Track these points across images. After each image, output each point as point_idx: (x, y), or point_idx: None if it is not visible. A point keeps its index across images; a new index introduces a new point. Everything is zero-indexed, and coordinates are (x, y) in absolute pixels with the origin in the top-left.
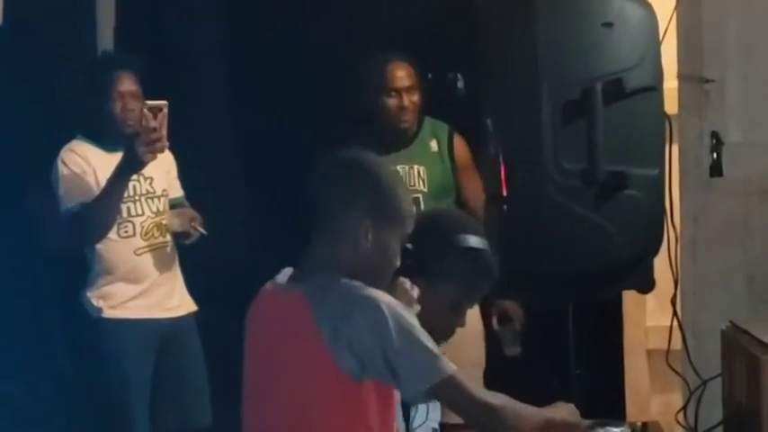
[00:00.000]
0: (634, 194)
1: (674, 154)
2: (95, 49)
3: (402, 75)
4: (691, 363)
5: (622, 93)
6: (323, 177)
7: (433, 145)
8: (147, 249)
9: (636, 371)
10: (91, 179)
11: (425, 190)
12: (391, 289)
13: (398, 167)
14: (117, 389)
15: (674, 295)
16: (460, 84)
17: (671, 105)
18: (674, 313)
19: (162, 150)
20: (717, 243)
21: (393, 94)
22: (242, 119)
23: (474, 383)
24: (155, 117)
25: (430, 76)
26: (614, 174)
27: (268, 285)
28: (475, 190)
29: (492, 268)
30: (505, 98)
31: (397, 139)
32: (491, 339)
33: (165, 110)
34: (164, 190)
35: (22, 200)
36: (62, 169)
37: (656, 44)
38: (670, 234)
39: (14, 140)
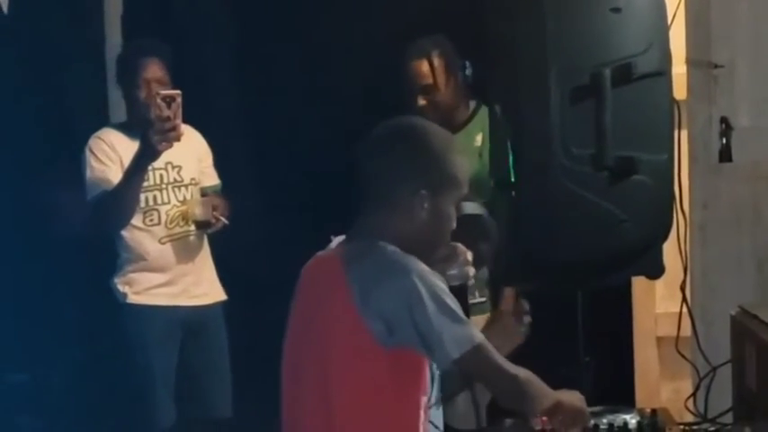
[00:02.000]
0: (643, 180)
1: (683, 139)
2: (103, 36)
3: (417, 74)
4: (700, 349)
5: (631, 78)
6: (374, 146)
7: (478, 139)
8: (171, 238)
9: (645, 358)
10: (117, 167)
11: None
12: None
13: None
14: (141, 375)
15: (684, 281)
16: (468, 71)
17: (680, 91)
18: (684, 299)
19: (177, 139)
20: (726, 228)
21: (413, 92)
22: (253, 109)
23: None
24: (168, 106)
25: None
26: (623, 159)
27: (319, 252)
28: None
29: (491, 231)
30: (513, 84)
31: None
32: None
33: (179, 99)
34: (192, 179)
35: (47, 188)
36: (89, 157)
37: (664, 29)
38: (679, 220)
39: (33, 130)
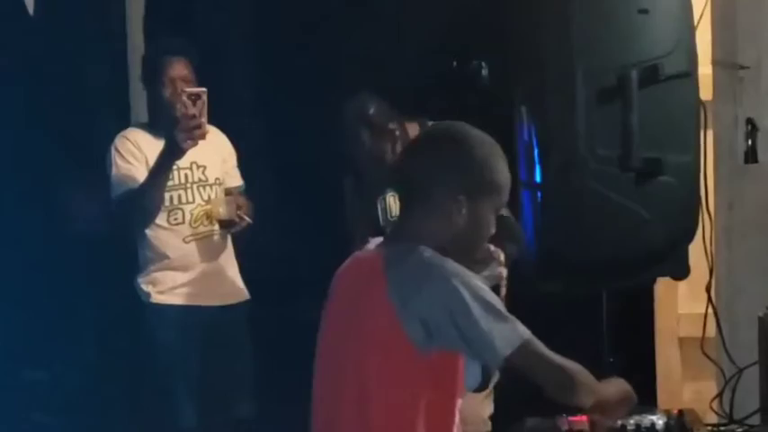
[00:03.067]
0: (669, 181)
1: (708, 140)
2: (125, 36)
3: None
4: (726, 350)
5: (657, 79)
6: (416, 150)
7: None
8: (195, 237)
9: (667, 358)
10: (142, 166)
11: None
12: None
13: None
14: (163, 374)
15: (710, 282)
16: (485, 71)
17: (706, 92)
18: (709, 300)
19: (203, 137)
20: (752, 229)
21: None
22: (275, 109)
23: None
24: (194, 104)
25: (455, 64)
26: (649, 160)
27: (357, 252)
28: None
29: (516, 233)
30: (540, 85)
31: None
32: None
33: (204, 97)
34: (217, 178)
35: (71, 187)
36: (114, 156)
37: (690, 30)
38: (705, 221)
39: (57, 129)
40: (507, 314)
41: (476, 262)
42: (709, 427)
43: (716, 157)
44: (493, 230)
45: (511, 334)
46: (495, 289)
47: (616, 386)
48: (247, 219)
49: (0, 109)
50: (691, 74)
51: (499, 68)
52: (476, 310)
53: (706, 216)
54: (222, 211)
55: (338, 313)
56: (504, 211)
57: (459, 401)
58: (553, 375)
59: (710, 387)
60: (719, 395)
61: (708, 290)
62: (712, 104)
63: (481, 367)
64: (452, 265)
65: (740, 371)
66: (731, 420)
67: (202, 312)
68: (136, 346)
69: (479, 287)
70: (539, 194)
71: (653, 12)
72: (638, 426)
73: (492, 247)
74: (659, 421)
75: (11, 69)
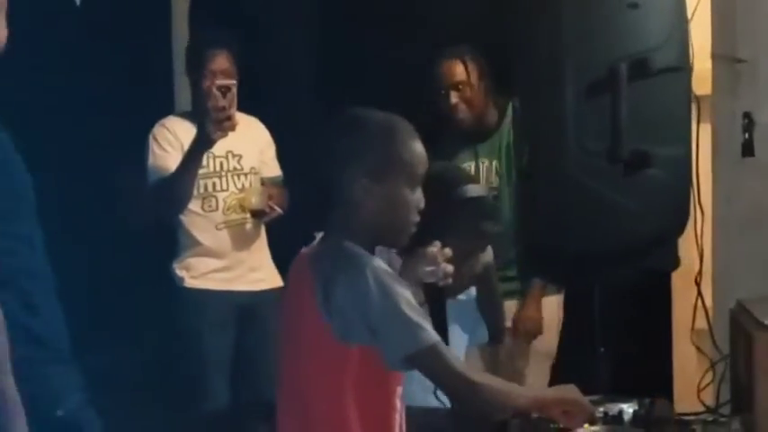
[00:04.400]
0: (659, 174)
1: (706, 134)
2: (170, 26)
3: (450, 73)
4: (713, 340)
5: (647, 73)
6: (317, 141)
7: (507, 138)
8: (228, 225)
9: (683, 350)
10: (177, 153)
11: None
12: (415, 254)
13: (479, 161)
14: (196, 358)
15: (698, 274)
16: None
17: (704, 85)
18: (699, 293)
19: (232, 129)
20: (749, 223)
21: (442, 91)
22: (317, 100)
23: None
24: (224, 96)
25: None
26: (638, 153)
27: (303, 249)
28: None
29: (494, 211)
30: (530, 78)
31: (474, 133)
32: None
33: (234, 89)
34: (252, 168)
35: (112, 174)
36: (152, 144)
37: (683, 24)
38: (697, 214)
39: (102, 117)
40: (413, 318)
41: (413, 257)
42: (680, 416)
43: (714, 151)
44: (420, 205)
45: (409, 338)
46: (437, 288)
47: (551, 391)
48: (278, 209)
49: (46, 99)
50: (683, 68)
51: (491, 61)
52: (378, 307)
53: (698, 209)
54: (254, 200)
55: (283, 315)
56: (484, 191)
57: (399, 389)
58: (452, 384)
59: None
60: (699, 384)
61: (697, 282)
62: (710, 98)
63: (486, 324)
64: (367, 259)
65: (713, 364)
66: (708, 410)
67: (235, 297)
68: (170, 330)
69: (389, 286)
70: (527, 186)
71: (643, 5)
72: (606, 413)
73: (438, 244)
74: (629, 410)
75: (58, 59)
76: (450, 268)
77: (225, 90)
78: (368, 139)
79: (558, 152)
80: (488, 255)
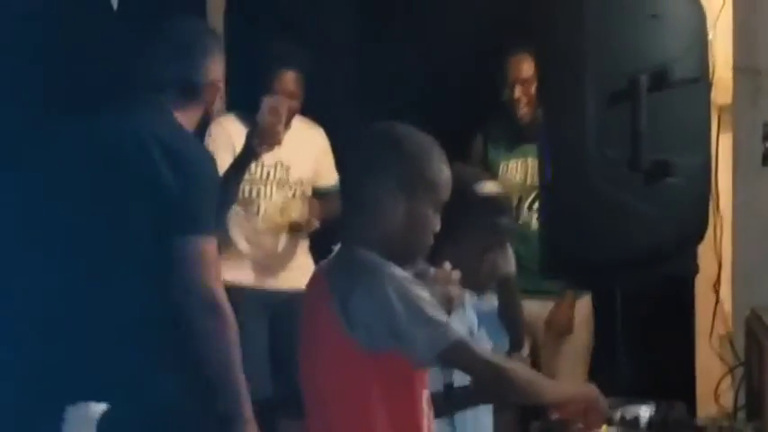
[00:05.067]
0: (679, 182)
1: (727, 143)
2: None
3: (518, 68)
4: (732, 345)
5: (667, 83)
6: (351, 150)
7: None
8: (266, 232)
9: (706, 354)
10: (228, 155)
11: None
12: (422, 273)
13: (528, 160)
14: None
15: (717, 280)
16: None
17: (726, 96)
18: (717, 299)
19: (278, 144)
20: None
21: (510, 85)
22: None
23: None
24: (274, 114)
25: None
26: (658, 162)
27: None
28: None
29: (508, 205)
30: (553, 88)
31: (527, 132)
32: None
33: (286, 107)
34: (299, 179)
35: None
36: (207, 140)
37: (702, 36)
38: (716, 222)
39: None
40: (439, 316)
41: (428, 279)
42: (696, 421)
43: (734, 160)
44: (436, 228)
45: (437, 336)
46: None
47: (573, 387)
48: (316, 223)
49: (80, 99)
50: (702, 79)
51: None
52: (399, 311)
53: (717, 217)
54: (294, 214)
55: (303, 325)
56: (497, 188)
57: (426, 392)
58: (486, 373)
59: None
60: (717, 389)
61: (716, 288)
62: (731, 108)
63: (507, 333)
64: (384, 266)
65: (731, 369)
66: (726, 415)
67: (269, 296)
68: None
69: (408, 290)
70: (550, 195)
71: (664, 17)
72: (623, 416)
73: (448, 266)
74: (645, 413)
75: (94, 62)
76: (456, 291)
77: (275, 107)
78: (406, 157)
79: (580, 161)
80: (510, 265)
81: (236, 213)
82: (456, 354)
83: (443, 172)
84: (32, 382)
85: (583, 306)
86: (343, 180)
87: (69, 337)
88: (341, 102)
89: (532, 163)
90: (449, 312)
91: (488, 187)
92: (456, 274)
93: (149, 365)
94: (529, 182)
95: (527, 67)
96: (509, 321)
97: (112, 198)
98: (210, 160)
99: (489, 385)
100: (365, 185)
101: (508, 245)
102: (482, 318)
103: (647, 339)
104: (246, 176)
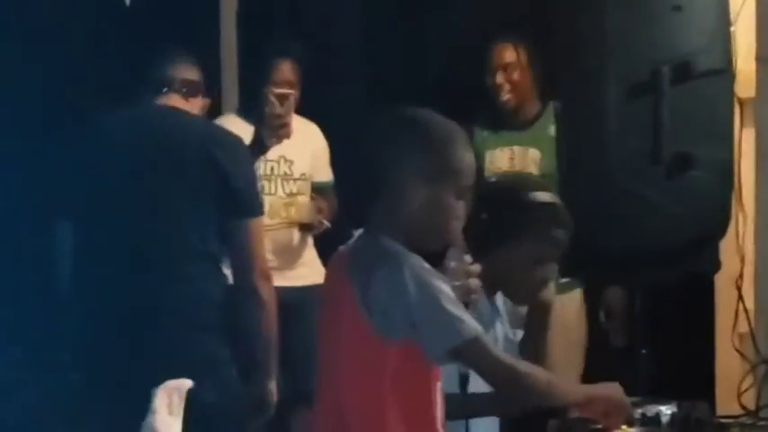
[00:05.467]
0: (701, 176)
1: (751, 137)
2: (218, 31)
3: (500, 55)
4: (754, 343)
5: (690, 75)
6: (374, 135)
7: (552, 130)
8: (272, 228)
9: (726, 353)
10: None
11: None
12: (442, 268)
13: (514, 148)
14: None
15: (739, 277)
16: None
17: (749, 88)
18: (740, 296)
19: (287, 136)
20: None
21: (492, 71)
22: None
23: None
24: (281, 104)
25: None
26: (680, 155)
27: (341, 247)
28: None
29: (565, 218)
30: (573, 80)
31: (513, 120)
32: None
33: (292, 98)
34: (303, 173)
35: None
36: None
37: (726, 27)
38: (738, 217)
39: None
40: (454, 311)
41: (444, 270)
42: (720, 419)
43: (757, 153)
44: (460, 215)
45: (449, 332)
46: (466, 304)
47: (595, 387)
48: (326, 223)
49: (91, 97)
50: (726, 70)
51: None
52: (417, 301)
53: (740, 212)
54: (304, 215)
55: (321, 312)
56: (553, 198)
57: (439, 384)
58: (501, 375)
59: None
60: (739, 388)
61: (738, 285)
62: (755, 100)
63: None
64: (405, 255)
65: (753, 366)
66: (749, 413)
67: (279, 292)
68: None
69: (428, 281)
70: (568, 186)
71: (687, 8)
72: (643, 415)
73: (468, 258)
74: (667, 412)
75: (106, 59)
76: (475, 284)
77: (283, 98)
78: (429, 143)
79: (599, 153)
80: (551, 293)
81: None
82: (470, 351)
83: (467, 158)
84: (122, 364)
85: (574, 300)
86: (367, 166)
87: (151, 320)
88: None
89: (519, 151)
90: (467, 306)
91: (545, 196)
92: (476, 268)
93: (217, 343)
94: (517, 170)
95: (510, 54)
96: (532, 355)
97: (172, 186)
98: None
99: (504, 388)
100: (389, 172)
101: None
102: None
103: (667, 337)
104: None
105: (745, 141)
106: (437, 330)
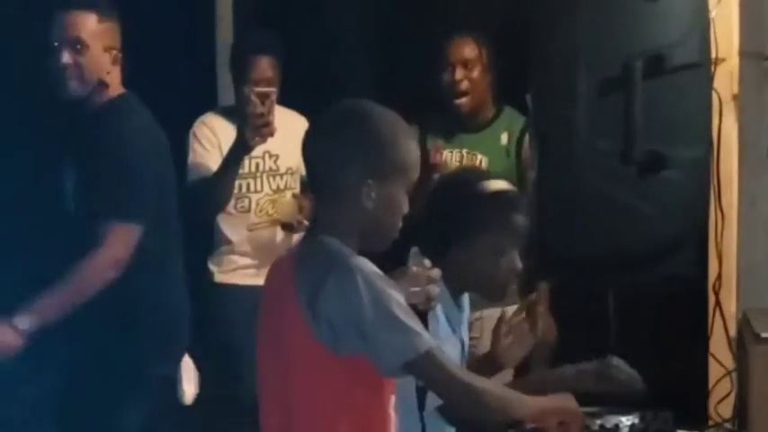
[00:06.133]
0: (675, 176)
1: (732, 135)
2: (214, 20)
3: (460, 50)
4: (732, 350)
5: (664, 70)
6: (317, 132)
7: (504, 137)
8: (259, 226)
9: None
10: (216, 152)
11: None
12: (400, 273)
13: (463, 151)
14: (228, 353)
15: (717, 279)
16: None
17: (731, 84)
18: (717, 301)
19: (271, 135)
20: None
21: (449, 68)
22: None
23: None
24: (262, 103)
25: None
26: (652, 154)
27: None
28: None
29: (522, 203)
30: (542, 74)
31: (466, 121)
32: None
33: (273, 96)
34: (289, 168)
35: None
36: (192, 142)
37: (703, 20)
38: (716, 219)
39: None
40: (410, 322)
41: (402, 275)
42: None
43: (740, 151)
44: (405, 210)
45: (403, 345)
46: (421, 313)
47: (547, 400)
48: (306, 223)
49: None
50: (702, 65)
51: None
52: (370, 313)
53: (718, 213)
54: (284, 211)
55: (261, 320)
56: (509, 186)
57: (393, 398)
58: (455, 392)
59: None
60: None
61: (715, 289)
62: (737, 97)
63: None
64: (358, 262)
65: (730, 371)
66: (718, 425)
67: (258, 292)
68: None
69: (381, 291)
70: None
71: (662, 0)
72: (602, 426)
73: (428, 263)
74: (627, 422)
75: None
76: (435, 291)
77: (264, 97)
78: (377, 140)
79: (569, 153)
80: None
81: (226, 210)
82: (424, 366)
83: (412, 150)
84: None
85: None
86: (313, 167)
87: None
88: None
89: (468, 155)
90: (426, 312)
91: (497, 184)
92: (437, 273)
93: None
94: None
95: (469, 50)
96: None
97: None
98: None
99: (457, 404)
100: (339, 174)
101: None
102: None
103: (639, 343)
104: None
105: (728, 139)
106: (390, 343)
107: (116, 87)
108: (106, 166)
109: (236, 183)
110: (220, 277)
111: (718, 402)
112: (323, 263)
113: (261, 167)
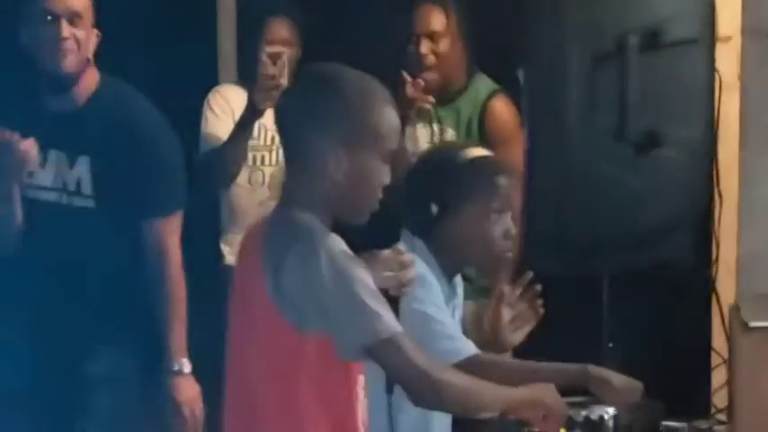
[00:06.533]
0: (673, 156)
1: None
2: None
3: (426, 20)
4: (728, 338)
5: (660, 45)
6: (287, 100)
7: (465, 116)
8: (272, 199)
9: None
10: (229, 119)
11: None
12: (373, 256)
13: (434, 126)
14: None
15: (715, 261)
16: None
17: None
18: (713, 288)
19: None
20: None
21: (414, 39)
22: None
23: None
24: (274, 64)
25: None
26: (648, 132)
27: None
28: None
29: (502, 164)
30: (537, 49)
31: (433, 95)
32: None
33: (285, 57)
34: None
35: None
36: (205, 111)
37: None
38: (714, 201)
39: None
40: (374, 305)
41: (375, 259)
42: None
43: (741, 131)
44: (385, 180)
45: (365, 328)
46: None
47: (523, 391)
48: None
49: None
50: (702, 40)
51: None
52: (333, 293)
53: (716, 194)
54: None
55: (232, 296)
56: (488, 152)
57: (361, 378)
58: (413, 380)
59: None
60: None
61: (711, 274)
62: (739, 75)
63: None
64: (324, 236)
65: (723, 362)
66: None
67: None
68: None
69: (345, 270)
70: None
71: None
72: (587, 417)
73: (402, 247)
74: (611, 413)
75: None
76: (408, 276)
77: (276, 57)
78: (347, 106)
79: (561, 131)
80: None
81: (239, 183)
82: (383, 351)
83: (392, 120)
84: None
85: None
86: (283, 135)
87: None
88: None
89: (437, 128)
90: (398, 298)
91: (474, 151)
92: (410, 257)
93: None
94: None
95: (437, 21)
96: None
97: None
98: None
99: (415, 393)
100: (302, 138)
101: None
102: None
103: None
104: (249, 143)
105: (728, 118)
106: (350, 324)
107: (94, 70)
108: (141, 157)
109: (251, 154)
110: (231, 259)
111: (715, 392)
112: (287, 233)
113: (276, 140)
